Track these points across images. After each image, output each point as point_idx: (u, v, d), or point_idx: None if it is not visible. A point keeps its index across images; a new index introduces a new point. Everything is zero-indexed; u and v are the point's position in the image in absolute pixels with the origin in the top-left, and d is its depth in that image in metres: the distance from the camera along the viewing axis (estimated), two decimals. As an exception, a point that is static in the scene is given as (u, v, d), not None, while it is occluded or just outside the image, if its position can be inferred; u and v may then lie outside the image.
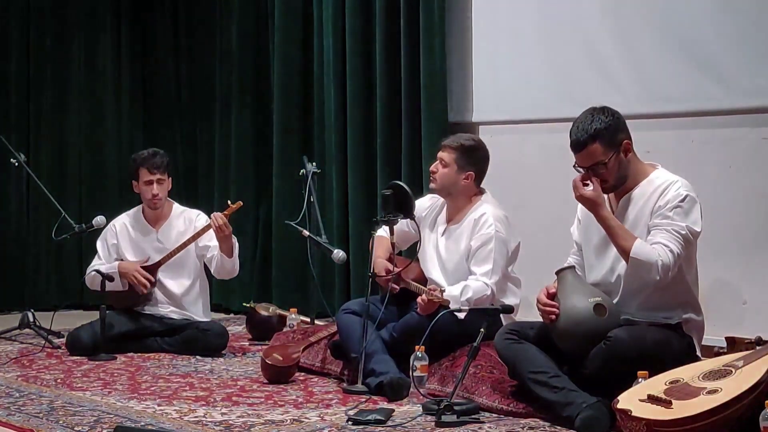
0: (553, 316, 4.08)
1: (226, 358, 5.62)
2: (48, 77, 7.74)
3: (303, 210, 6.04)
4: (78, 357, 5.58)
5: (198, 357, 5.59)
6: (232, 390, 4.79)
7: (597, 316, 4.01)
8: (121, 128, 7.97)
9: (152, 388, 4.83)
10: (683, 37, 5.31)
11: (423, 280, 4.97)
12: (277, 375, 4.95)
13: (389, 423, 4.07)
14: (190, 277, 5.87)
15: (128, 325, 5.77)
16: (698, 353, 4.15)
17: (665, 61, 5.37)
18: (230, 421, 4.17)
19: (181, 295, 5.84)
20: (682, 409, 3.56)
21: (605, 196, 4.14)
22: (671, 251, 3.97)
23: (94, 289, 5.82)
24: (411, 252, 5.21)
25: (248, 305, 6.42)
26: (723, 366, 3.75)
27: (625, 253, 4.00)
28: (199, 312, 5.87)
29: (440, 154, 4.97)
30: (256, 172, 7.45)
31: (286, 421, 4.18)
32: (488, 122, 6.17)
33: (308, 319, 6.04)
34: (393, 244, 4.86)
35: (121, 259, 5.88)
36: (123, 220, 5.99)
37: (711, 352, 4.28)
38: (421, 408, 4.27)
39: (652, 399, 3.64)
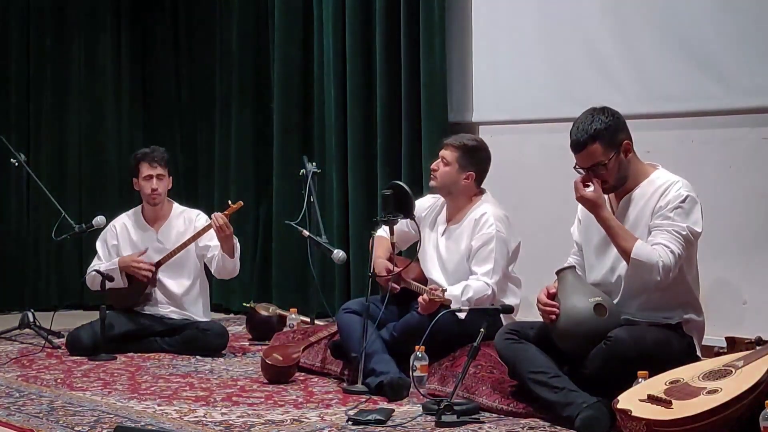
0: (554, 316, 4.07)
1: (226, 358, 5.61)
2: (48, 77, 7.73)
3: (303, 210, 6.04)
4: (78, 357, 5.58)
5: (198, 357, 5.59)
6: (232, 390, 4.79)
7: (597, 316, 4.00)
8: (121, 128, 7.97)
9: (152, 388, 4.83)
10: (683, 36, 5.31)
11: (423, 280, 4.96)
12: (277, 375, 4.95)
13: (389, 423, 4.07)
14: (190, 277, 5.86)
15: (128, 325, 5.76)
16: (698, 353, 4.14)
17: (665, 61, 5.37)
18: (230, 421, 4.17)
19: (181, 295, 5.84)
20: (682, 409, 3.56)
21: (606, 196, 4.13)
22: (672, 252, 3.96)
23: (95, 289, 5.81)
24: (411, 252, 5.20)
25: (248, 305, 6.42)
26: (723, 366, 3.75)
27: (625, 254, 3.99)
28: (199, 312, 5.87)
29: (442, 152, 4.96)
30: (256, 172, 7.45)
31: (286, 421, 4.18)
32: (488, 122, 6.17)
33: (308, 319, 6.04)
34: (393, 244, 4.85)
35: (121, 257, 5.90)
36: (123, 221, 5.99)
37: (711, 352, 4.28)
38: (421, 408, 4.26)
39: (652, 399, 3.64)
